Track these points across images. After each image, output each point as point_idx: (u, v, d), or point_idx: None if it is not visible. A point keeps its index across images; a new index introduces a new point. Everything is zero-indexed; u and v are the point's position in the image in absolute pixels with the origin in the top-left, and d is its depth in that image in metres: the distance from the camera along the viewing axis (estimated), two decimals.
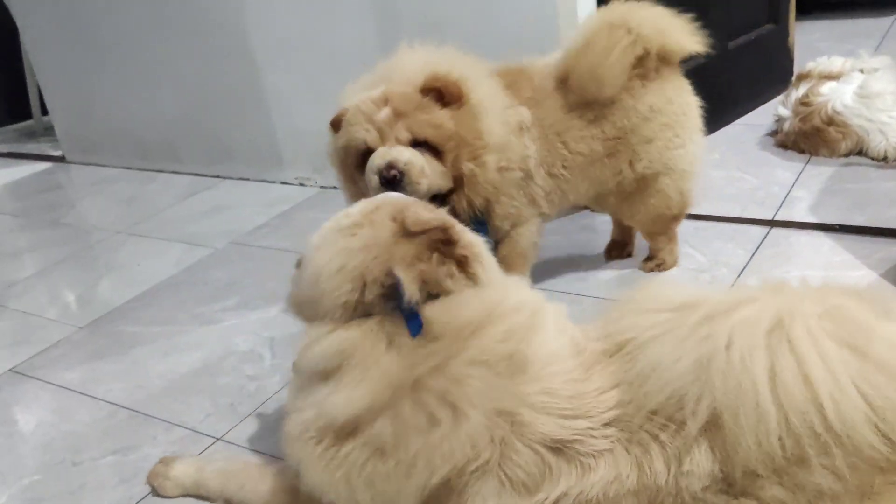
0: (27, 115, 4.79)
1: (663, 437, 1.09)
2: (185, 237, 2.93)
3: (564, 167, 1.93)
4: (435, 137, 1.70)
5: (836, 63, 2.88)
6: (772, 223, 2.31)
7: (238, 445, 1.72)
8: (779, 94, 3.05)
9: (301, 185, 3.30)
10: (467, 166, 1.74)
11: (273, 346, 2.08)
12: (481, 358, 1.17)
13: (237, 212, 3.14)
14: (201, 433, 1.78)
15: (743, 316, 1.05)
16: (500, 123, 1.80)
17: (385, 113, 1.68)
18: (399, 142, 1.68)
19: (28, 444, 1.85)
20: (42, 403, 1.99)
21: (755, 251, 2.18)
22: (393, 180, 1.65)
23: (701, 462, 1.06)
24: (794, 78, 3.00)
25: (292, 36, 3.04)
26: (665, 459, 1.08)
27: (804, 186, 2.51)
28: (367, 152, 1.70)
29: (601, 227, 2.47)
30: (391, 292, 1.20)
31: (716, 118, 3.00)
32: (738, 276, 2.07)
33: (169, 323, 2.29)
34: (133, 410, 1.90)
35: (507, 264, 1.87)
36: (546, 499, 1.12)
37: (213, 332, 2.20)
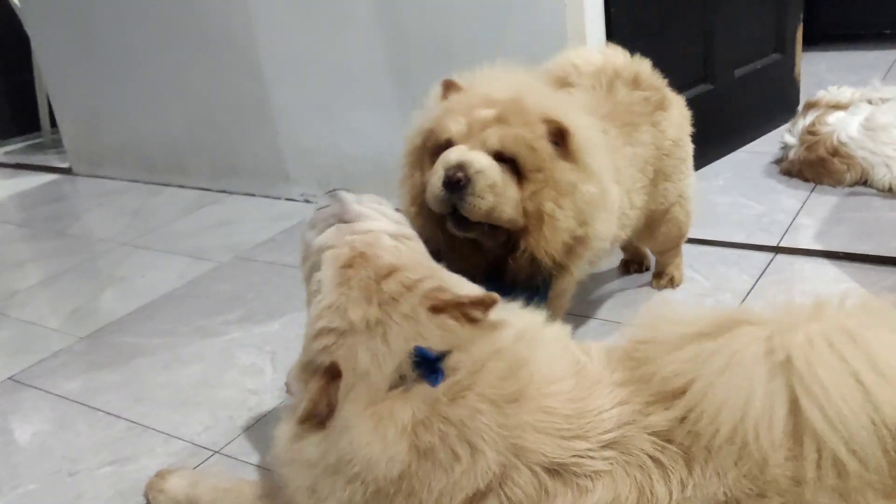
0: (36, 128, 4.82)
1: (665, 460, 1.08)
2: (190, 250, 2.93)
3: (624, 227, 1.80)
4: (527, 158, 1.48)
5: (845, 93, 2.89)
6: (776, 249, 2.31)
7: (236, 459, 1.71)
8: (784, 122, 3.06)
9: (307, 201, 3.31)
10: (548, 206, 1.50)
11: (274, 360, 2.08)
12: (488, 395, 1.15)
13: (242, 226, 3.14)
14: (200, 446, 1.77)
15: (812, 331, 1.04)
16: (609, 180, 1.63)
17: (487, 112, 1.49)
18: (486, 148, 1.47)
19: (25, 452, 1.84)
20: (40, 413, 1.98)
21: (759, 277, 2.17)
22: (457, 184, 1.44)
23: (705, 487, 1.05)
24: (801, 106, 3.02)
25: (300, 53, 3.06)
26: (665, 482, 1.07)
27: (809, 214, 2.51)
28: (447, 145, 1.51)
29: None
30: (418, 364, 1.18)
31: (721, 145, 3.03)
32: (742, 301, 2.06)
33: (170, 335, 2.29)
34: (131, 422, 1.89)
35: (552, 300, 1.70)
36: None
37: (215, 345, 2.19)
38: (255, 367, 2.06)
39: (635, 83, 1.88)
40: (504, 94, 1.53)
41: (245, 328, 2.28)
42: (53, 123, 4.37)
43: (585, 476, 1.10)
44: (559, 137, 1.51)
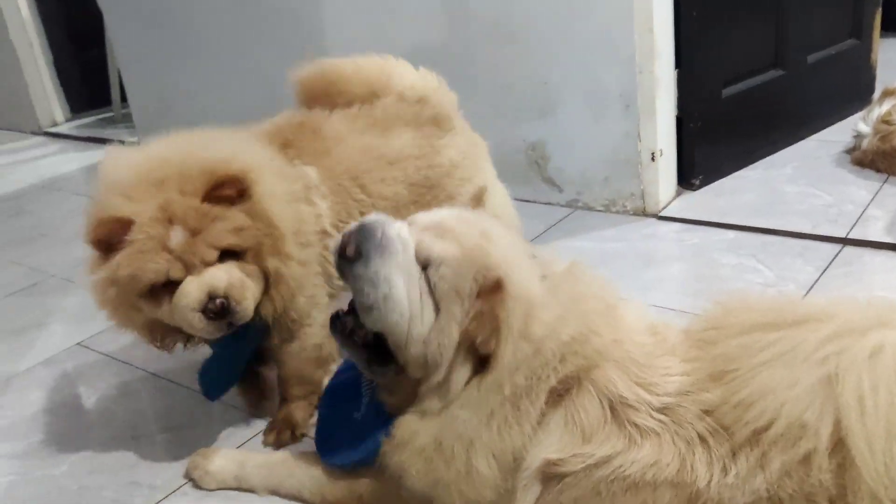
0: (107, 102, 4.94)
1: (711, 441, 1.07)
2: None
3: (362, 214, 1.75)
4: (238, 243, 1.47)
5: None
6: (844, 241, 2.24)
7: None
8: (857, 110, 2.96)
9: None
10: (272, 262, 1.53)
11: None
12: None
13: None
14: (255, 417, 1.81)
15: (884, 339, 1.01)
16: (288, 202, 1.61)
17: (180, 236, 1.42)
18: (205, 263, 1.44)
19: (90, 416, 1.91)
20: (106, 378, 2.05)
21: (825, 269, 2.11)
22: (222, 310, 1.43)
23: (747, 479, 1.03)
24: (878, 94, 2.91)
25: (364, 35, 3.07)
26: (708, 463, 1.06)
27: (881, 206, 2.42)
28: (163, 284, 1.44)
29: (667, 235, 2.44)
30: None
31: (790, 133, 2.94)
32: (807, 293, 2.00)
33: None
34: (192, 390, 1.93)
35: (289, 379, 1.72)
36: (592, 455, 1.13)
37: None
38: None
39: (421, 101, 1.95)
40: (164, 199, 1.44)
41: None
42: (124, 98, 4.48)
43: (637, 427, 1.11)
44: (228, 195, 1.48)
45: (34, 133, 5.03)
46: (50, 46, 5.00)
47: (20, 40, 4.89)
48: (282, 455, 1.58)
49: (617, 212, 2.67)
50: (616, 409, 1.14)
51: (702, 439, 1.08)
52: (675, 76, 2.56)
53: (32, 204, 3.67)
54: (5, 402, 2.00)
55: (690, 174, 2.70)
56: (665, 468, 1.08)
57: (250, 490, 1.54)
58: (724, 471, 1.05)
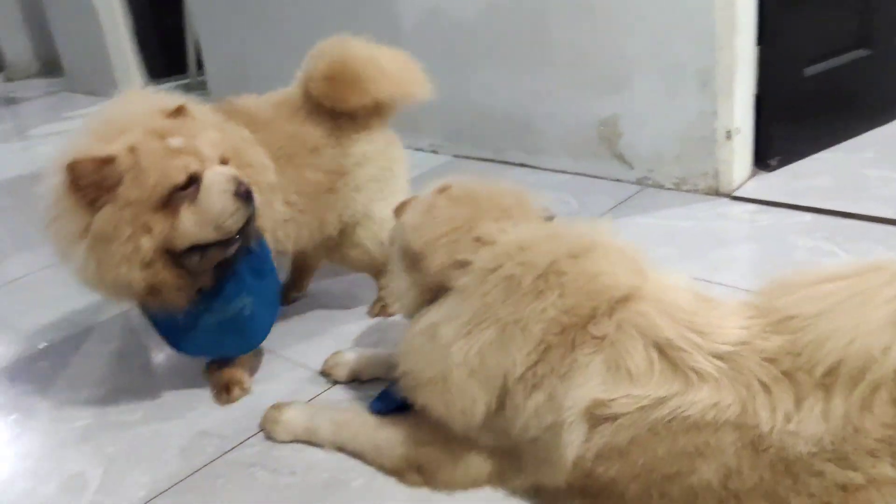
0: (184, 70, 5.05)
1: (773, 388, 1.06)
2: None
3: (297, 193, 1.85)
4: (228, 153, 1.58)
5: None
6: None
7: (355, 391, 1.77)
8: None
9: (434, 152, 3.35)
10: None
11: None
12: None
13: None
14: (321, 376, 1.84)
15: None
16: (238, 140, 1.72)
17: (179, 140, 1.48)
18: (219, 160, 1.55)
19: (162, 368, 1.98)
20: None
21: None
22: (249, 194, 1.52)
23: (810, 426, 1.02)
24: None
25: (437, 5, 3.07)
26: (771, 409, 1.05)
27: None
28: (181, 186, 1.47)
29: (739, 216, 2.39)
30: None
31: (873, 116, 2.84)
32: None
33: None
34: (262, 347, 1.98)
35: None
36: (647, 396, 1.13)
37: (342, 284, 2.27)
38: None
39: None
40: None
41: None
42: (199, 66, 4.57)
43: (693, 370, 1.11)
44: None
45: None
46: (131, 14, 5.13)
47: (103, 7, 5.03)
48: (350, 415, 1.61)
49: (688, 190, 2.62)
50: (665, 352, 1.14)
51: (763, 386, 1.06)
52: (757, 53, 2.49)
53: None
54: (86, 350, 2.09)
55: (767, 154, 2.63)
56: (726, 409, 1.07)
57: (318, 443, 1.58)
58: (787, 418, 1.03)
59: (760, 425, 1.05)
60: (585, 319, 1.22)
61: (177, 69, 5.19)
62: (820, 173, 2.58)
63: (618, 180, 2.79)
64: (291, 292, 2.23)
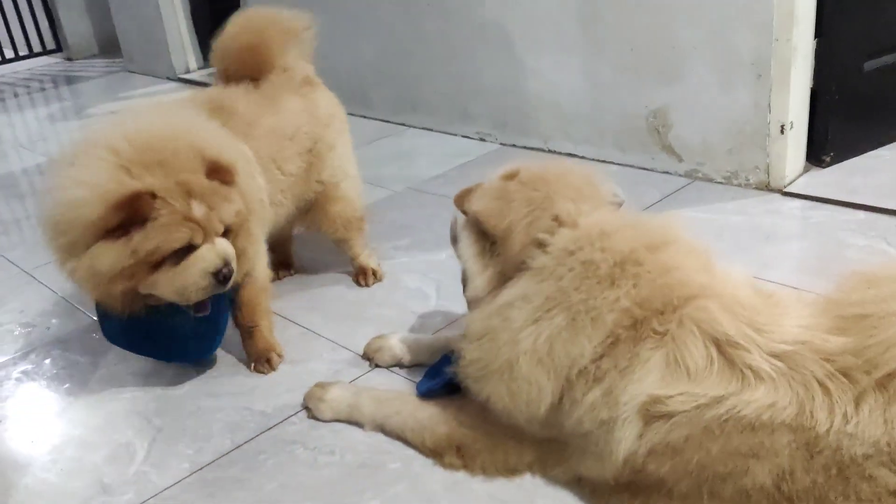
0: None
1: (832, 387, 1.04)
2: (367, 178, 3.01)
3: (282, 192, 1.98)
4: (236, 223, 1.66)
5: None
6: None
7: (395, 373, 1.79)
8: None
9: (482, 140, 3.34)
10: (241, 242, 1.70)
11: (439, 287, 2.15)
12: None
13: (418, 160, 3.23)
14: (362, 359, 1.87)
15: None
16: (249, 182, 1.77)
17: (201, 209, 1.56)
18: (217, 235, 1.62)
19: None
20: None
21: None
22: (228, 276, 1.61)
23: (868, 429, 1.01)
24: None
25: None
26: (829, 409, 1.04)
27: None
28: (180, 251, 1.56)
29: (791, 212, 2.34)
30: None
31: None
32: None
33: (345, 254, 2.39)
34: (304, 328, 2.02)
35: (252, 305, 1.86)
36: (704, 395, 1.12)
37: (384, 268, 2.29)
38: (420, 291, 2.14)
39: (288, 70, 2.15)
40: (181, 178, 1.56)
41: (412, 255, 2.37)
42: None
43: (751, 369, 1.10)
44: (224, 178, 1.63)
45: (169, 79, 5.28)
46: None
47: None
48: (394, 393, 1.64)
49: (738, 185, 2.58)
50: (724, 350, 1.13)
51: (822, 385, 1.05)
52: (814, 46, 2.44)
53: None
54: None
55: (821, 150, 2.57)
56: (783, 411, 1.06)
57: (359, 421, 1.61)
58: (846, 418, 1.02)
59: (817, 426, 1.04)
60: (655, 314, 1.21)
61: None
62: (875, 171, 2.52)
63: (666, 172, 2.76)
64: (280, 271, 2.30)
